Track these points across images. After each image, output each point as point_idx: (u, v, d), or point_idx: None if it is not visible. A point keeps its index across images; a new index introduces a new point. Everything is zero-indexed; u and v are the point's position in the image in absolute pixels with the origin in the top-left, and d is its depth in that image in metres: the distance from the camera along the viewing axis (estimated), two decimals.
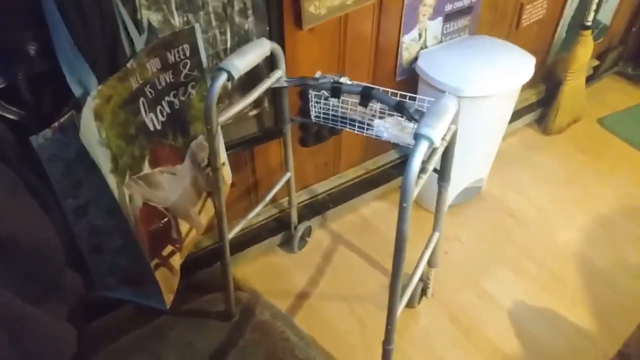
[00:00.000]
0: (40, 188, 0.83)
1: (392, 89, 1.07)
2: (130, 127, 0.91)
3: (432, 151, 1.01)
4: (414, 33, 1.53)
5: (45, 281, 0.82)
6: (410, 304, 1.45)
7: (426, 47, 1.59)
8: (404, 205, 0.89)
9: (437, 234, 1.27)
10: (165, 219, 1.02)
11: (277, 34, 1.24)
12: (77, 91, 0.83)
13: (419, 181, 0.94)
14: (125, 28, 0.91)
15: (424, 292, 1.47)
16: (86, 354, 0.94)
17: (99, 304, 1.27)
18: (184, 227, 1.09)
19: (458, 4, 1.57)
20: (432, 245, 1.25)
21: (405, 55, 1.56)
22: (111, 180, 0.83)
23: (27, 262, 0.77)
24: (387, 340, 1.11)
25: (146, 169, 0.96)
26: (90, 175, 0.84)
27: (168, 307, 1.05)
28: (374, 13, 1.41)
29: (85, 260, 0.97)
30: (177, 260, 1.07)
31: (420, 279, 1.43)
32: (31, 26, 0.80)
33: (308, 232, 1.65)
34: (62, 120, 0.79)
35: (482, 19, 1.69)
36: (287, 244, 1.64)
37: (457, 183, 1.65)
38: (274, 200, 1.62)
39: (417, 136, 0.86)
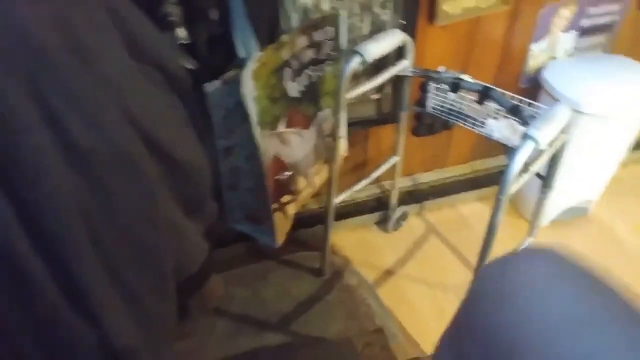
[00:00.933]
0: (203, 127, 1.04)
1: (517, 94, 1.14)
2: (276, 90, 1.09)
3: (539, 154, 1.07)
4: (544, 43, 1.56)
5: (194, 201, 1.03)
6: None
7: (555, 58, 1.60)
8: (500, 197, 0.98)
9: (529, 239, 1.32)
10: (288, 173, 1.20)
11: (410, 27, 1.36)
12: (242, 53, 1.03)
13: (519, 179, 1.01)
14: (285, 8, 1.10)
15: None
16: (205, 272, 1.15)
17: (218, 237, 1.51)
18: (301, 183, 1.27)
19: (597, 20, 1.56)
20: (523, 247, 1.30)
21: (531, 64, 1.59)
22: (256, 131, 1.03)
23: (185, 183, 0.98)
24: None
25: (281, 128, 1.14)
26: (241, 124, 1.03)
27: (278, 245, 1.23)
28: (507, 19, 1.47)
29: (221, 194, 1.18)
30: (291, 209, 1.26)
31: None
32: None
33: (404, 216, 1.77)
34: (229, 75, 0.99)
35: (621, 38, 1.65)
36: (383, 223, 1.76)
37: (562, 198, 1.65)
38: (378, 181, 1.75)
39: (524, 136, 0.94)
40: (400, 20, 1.35)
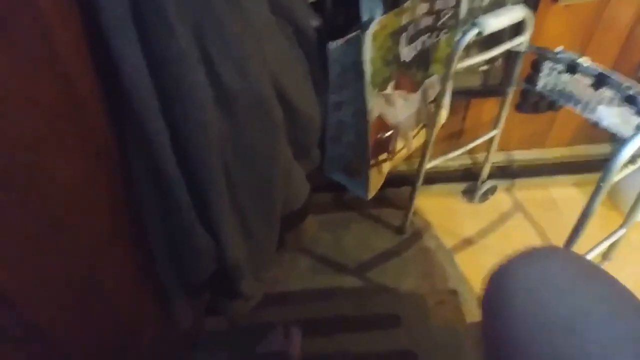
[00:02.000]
0: (319, 81, 1.15)
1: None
2: (389, 53, 1.17)
3: None
4: None
5: (304, 147, 1.16)
6: None
7: None
8: (601, 184, 1.01)
9: (622, 230, 1.32)
10: (389, 132, 1.29)
11: (532, 3, 1.35)
12: (365, 16, 1.11)
13: (623, 170, 1.03)
14: None
15: None
16: (304, 211, 1.30)
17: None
18: (399, 144, 1.36)
19: None
20: (613, 238, 1.31)
21: None
22: (368, 89, 1.12)
23: (299, 129, 1.10)
24: None
25: (389, 90, 1.22)
26: (354, 81, 1.13)
27: (368, 198, 1.35)
28: (638, 3, 1.41)
29: (324, 145, 1.30)
30: (386, 167, 1.36)
31: None
32: None
33: (493, 190, 1.80)
34: (351, 35, 1.08)
35: None
36: (469, 193, 1.82)
37: None
38: (472, 152, 1.79)
39: (638, 127, 0.96)
40: None
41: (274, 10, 0.97)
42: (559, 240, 1.24)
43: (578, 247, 1.25)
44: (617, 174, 0.98)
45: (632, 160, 1.03)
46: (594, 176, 1.82)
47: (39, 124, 0.60)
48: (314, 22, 1.14)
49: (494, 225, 1.75)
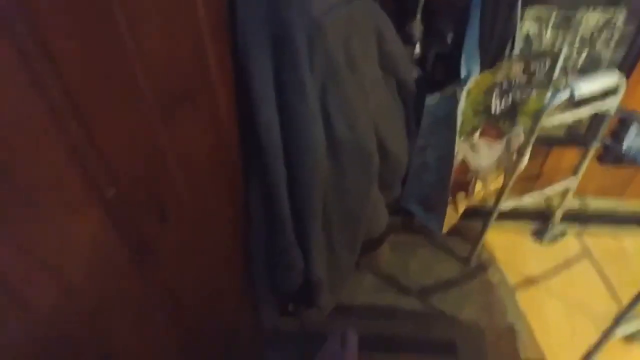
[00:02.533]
0: (411, 126, 1.28)
1: None
2: (481, 106, 1.27)
3: None
4: None
5: (389, 182, 1.30)
6: (632, 339, 1.58)
7: None
8: None
9: None
10: (470, 175, 1.40)
11: (628, 65, 1.40)
12: (464, 73, 1.22)
13: None
14: (514, 35, 1.25)
15: None
16: (382, 238, 1.44)
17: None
18: (478, 186, 1.46)
19: None
20: None
21: None
22: (457, 140, 1.23)
23: (388, 168, 1.24)
24: (588, 356, 1.33)
25: (476, 137, 1.33)
26: (444, 129, 1.25)
27: (443, 233, 1.46)
28: None
29: (406, 179, 1.43)
30: (462, 206, 1.47)
31: None
32: (455, 22, 1.21)
33: (562, 233, 1.85)
34: (449, 90, 1.20)
35: None
36: (539, 234, 1.88)
37: None
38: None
39: None
40: (620, 57, 1.40)
41: (383, 65, 1.11)
42: (626, 290, 1.28)
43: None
44: None
45: None
46: None
47: (205, 164, 0.77)
48: (414, 73, 1.27)
49: (559, 268, 1.81)
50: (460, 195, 1.43)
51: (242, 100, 0.89)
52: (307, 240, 1.09)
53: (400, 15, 1.21)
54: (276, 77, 0.89)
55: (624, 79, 1.32)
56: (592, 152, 1.54)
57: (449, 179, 1.31)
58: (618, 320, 1.24)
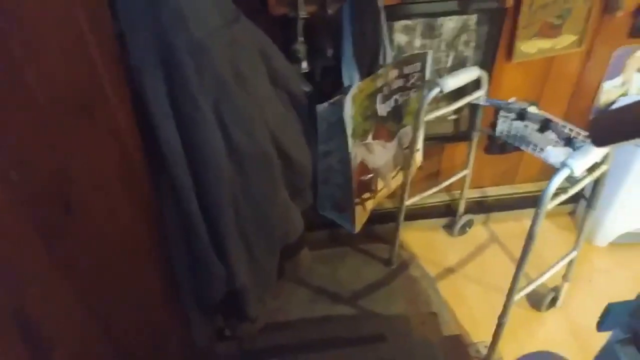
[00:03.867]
0: (311, 134, 1.43)
1: (584, 127, 1.39)
2: (368, 110, 1.46)
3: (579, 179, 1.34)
4: (617, 81, 1.78)
5: (298, 189, 1.43)
6: (536, 307, 1.77)
7: (627, 95, 1.82)
8: (538, 210, 1.27)
9: (574, 253, 1.57)
10: (370, 175, 1.56)
11: (488, 62, 1.66)
12: (346, 82, 1.41)
13: (555, 198, 1.30)
14: (384, 45, 1.45)
15: (553, 301, 1.77)
16: (299, 244, 1.55)
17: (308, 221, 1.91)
18: (380, 184, 1.63)
19: None
20: (566, 259, 1.56)
21: (603, 99, 1.82)
22: (350, 141, 1.40)
23: (294, 174, 1.37)
24: (502, 315, 1.50)
25: (369, 139, 1.50)
26: (339, 134, 1.41)
27: (355, 232, 1.61)
28: (581, 58, 1.72)
29: (316, 186, 1.57)
30: (370, 204, 1.62)
31: (553, 290, 1.74)
32: (333, 39, 1.40)
33: (470, 224, 2.06)
34: (335, 98, 1.37)
35: None
36: (449, 228, 2.08)
37: (621, 222, 1.87)
38: (449, 190, 2.06)
39: (561, 164, 1.23)
40: (481, 56, 1.65)
41: (273, 82, 1.27)
42: (531, 267, 1.47)
43: (539, 269, 1.51)
44: (548, 201, 1.25)
45: (564, 190, 1.30)
46: (562, 208, 2.10)
47: (113, 179, 0.87)
48: (306, 88, 1.44)
49: (472, 255, 2.00)
50: (366, 194, 1.59)
51: (145, 118, 1.00)
52: (223, 245, 1.18)
53: (285, 37, 1.38)
54: (170, 95, 1.01)
55: (485, 72, 1.56)
56: (475, 143, 1.77)
57: (350, 179, 1.47)
58: (514, 286, 1.42)
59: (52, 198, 0.66)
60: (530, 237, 1.31)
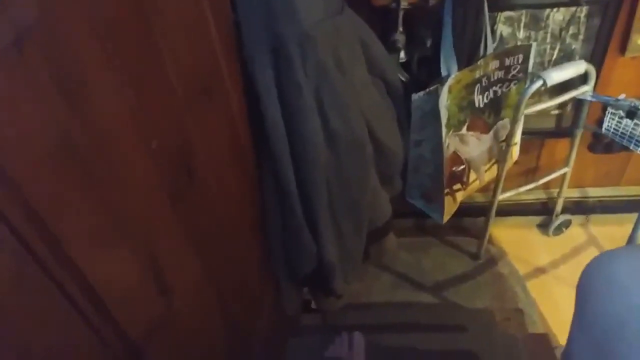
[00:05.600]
0: (404, 123, 1.49)
1: None
2: (464, 101, 1.48)
3: None
4: None
5: (388, 175, 1.50)
6: None
7: None
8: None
9: None
10: (463, 166, 1.59)
11: (598, 56, 1.61)
12: (444, 72, 1.44)
13: None
14: (485, 36, 1.47)
15: None
16: (387, 228, 1.62)
17: (396, 208, 1.97)
18: (472, 176, 1.65)
19: None
20: None
21: None
22: (444, 131, 1.44)
23: (385, 161, 1.44)
24: None
25: (464, 130, 1.53)
26: (432, 123, 1.46)
27: (443, 222, 1.64)
28: None
29: (406, 175, 1.63)
30: (460, 195, 1.65)
31: None
32: (432, 29, 1.44)
33: (567, 224, 2.01)
34: (431, 88, 1.42)
35: None
36: (544, 227, 2.03)
37: None
38: (546, 187, 2.01)
39: None
40: (590, 49, 1.60)
41: (371, 70, 1.34)
42: None
43: None
44: None
45: None
46: None
47: (225, 155, 1.00)
48: (403, 77, 1.49)
49: (567, 257, 1.95)
50: (456, 185, 1.62)
51: (253, 103, 1.12)
52: (316, 224, 1.29)
53: (384, 28, 1.45)
54: (277, 81, 1.12)
55: (592, 67, 1.52)
56: (578, 140, 1.72)
57: (442, 169, 1.51)
58: None
59: (179, 165, 0.79)
60: (631, 243, 1.28)
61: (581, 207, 2.01)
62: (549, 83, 1.45)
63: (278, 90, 1.13)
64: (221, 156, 1.01)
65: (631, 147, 1.51)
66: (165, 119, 0.75)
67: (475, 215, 2.02)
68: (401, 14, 1.41)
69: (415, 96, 1.43)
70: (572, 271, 1.90)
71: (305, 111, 1.15)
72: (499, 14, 1.54)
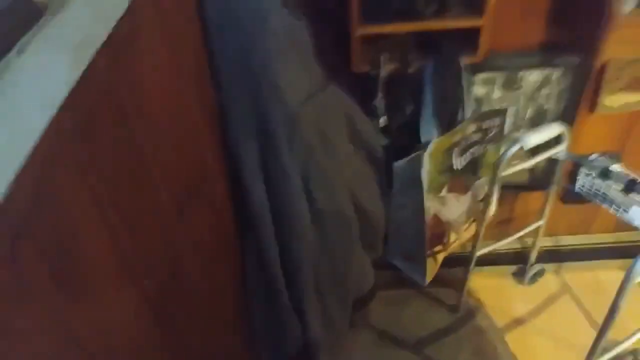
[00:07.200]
0: (385, 188, 1.48)
1: None
2: (444, 165, 1.49)
3: None
4: None
5: (371, 240, 1.48)
6: None
7: None
8: (623, 286, 1.26)
9: None
10: (443, 228, 1.59)
11: (570, 115, 1.65)
12: (424, 138, 1.45)
13: None
14: (464, 101, 1.48)
15: None
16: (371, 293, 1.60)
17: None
18: (452, 237, 1.65)
19: None
20: None
21: None
22: (425, 194, 1.44)
23: (368, 227, 1.43)
24: None
25: (443, 192, 1.53)
26: (414, 188, 1.45)
27: (426, 284, 1.64)
28: None
29: (387, 236, 1.62)
30: (441, 256, 1.65)
31: (632, 353, 1.70)
32: (412, 96, 1.44)
33: (541, 273, 2.04)
34: (413, 155, 1.42)
35: None
36: (519, 275, 2.06)
37: None
38: (521, 237, 2.04)
39: None
40: (561, 109, 1.65)
41: (353, 140, 1.33)
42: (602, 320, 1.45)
43: (617, 329, 1.48)
44: (635, 277, 1.23)
45: None
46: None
47: (209, 246, 0.95)
48: (382, 142, 1.49)
49: (543, 306, 1.98)
50: (438, 247, 1.62)
51: (235, 185, 1.08)
52: (301, 303, 1.25)
53: (365, 93, 1.44)
54: (262, 163, 1.08)
55: (567, 129, 1.56)
56: (553, 195, 1.76)
57: (424, 233, 1.50)
58: (593, 349, 1.40)
59: (162, 268, 0.73)
60: (612, 310, 1.30)
61: (554, 255, 2.05)
62: (527, 147, 1.48)
63: (263, 172, 1.10)
64: (206, 250, 0.97)
65: (604, 206, 1.55)
66: (155, 246, 0.71)
67: (452, 265, 2.02)
68: (382, 80, 1.41)
69: (397, 165, 1.43)
70: (549, 321, 1.92)
71: (292, 194, 1.12)
72: (475, 76, 1.56)
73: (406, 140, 1.49)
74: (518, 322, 1.93)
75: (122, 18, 0.54)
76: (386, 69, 1.37)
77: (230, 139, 1.05)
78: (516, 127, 1.67)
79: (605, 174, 1.50)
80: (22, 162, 0.37)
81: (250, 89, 1.03)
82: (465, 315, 1.95)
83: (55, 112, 0.40)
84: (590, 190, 1.58)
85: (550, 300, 2.00)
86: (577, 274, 2.07)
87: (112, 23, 0.52)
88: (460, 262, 1.98)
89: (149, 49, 0.67)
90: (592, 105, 1.64)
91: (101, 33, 0.49)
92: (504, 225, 1.99)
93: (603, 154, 1.57)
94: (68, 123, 0.44)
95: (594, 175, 1.56)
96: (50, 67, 0.43)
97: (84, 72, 0.45)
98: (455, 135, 1.46)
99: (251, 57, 0.99)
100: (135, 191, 0.64)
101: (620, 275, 2.08)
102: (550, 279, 2.07)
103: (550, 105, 1.65)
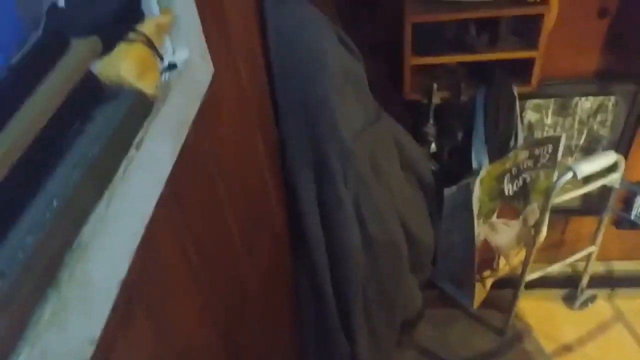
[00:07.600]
0: (435, 213, 1.50)
1: None
2: (494, 191, 1.50)
3: None
4: None
5: (419, 264, 1.51)
6: None
7: None
8: None
9: None
10: (492, 253, 1.60)
11: (625, 142, 1.63)
12: (475, 165, 1.46)
13: None
14: (517, 128, 1.49)
15: None
16: (419, 315, 1.63)
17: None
18: (502, 262, 1.65)
19: None
20: None
21: None
22: (475, 220, 1.45)
23: (417, 252, 1.45)
24: None
25: (494, 218, 1.54)
26: (464, 214, 1.47)
27: (474, 309, 1.64)
28: None
29: (435, 260, 1.64)
30: (489, 282, 1.66)
31: None
32: (463, 122, 1.46)
33: (592, 299, 2.00)
34: (463, 182, 1.43)
35: None
36: (570, 300, 2.03)
37: None
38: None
39: None
40: (617, 135, 1.63)
41: (404, 167, 1.36)
42: None
43: None
44: None
45: None
46: None
47: (269, 271, 1.01)
48: (432, 167, 1.51)
49: (594, 333, 1.94)
50: (487, 272, 1.63)
51: (291, 210, 1.14)
52: (350, 323, 1.29)
53: (416, 120, 1.48)
54: (318, 194, 1.14)
55: (622, 157, 1.54)
56: (606, 220, 1.73)
57: (473, 258, 1.51)
58: None
59: (233, 300, 0.79)
60: None
61: (607, 281, 2.01)
62: (579, 175, 1.47)
63: (318, 200, 1.15)
64: (268, 275, 1.03)
65: None
66: (228, 280, 0.77)
67: (500, 287, 2.01)
68: (432, 107, 1.44)
69: (447, 191, 1.45)
70: (600, 349, 1.89)
71: (345, 221, 1.16)
72: (528, 101, 1.57)
73: (456, 166, 1.51)
74: (567, 348, 1.91)
75: (208, 89, 0.60)
76: (437, 96, 1.40)
77: (288, 169, 1.11)
78: (569, 153, 1.66)
79: None
80: (139, 240, 0.43)
81: (308, 124, 1.08)
82: (512, 338, 1.94)
83: (161, 191, 0.46)
84: None
85: (601, 327, 1.96)
86: (631, 301, 2.02)
87: (201, 97, 0.57)
88: (509, 284, 1.97)
89: (226, 107, 0.73)
90: None
91: (193, 110, 0.55)
92: (554, 248, 1.97)
93: None
94: (169, 198, 0.50)
95: None
96: (160, 156, 0.49)
97: (180, 150, 0.50)
98: (507, 162, 1.46)
99: (310, 96, 1.04)
100: (212, 232, 0.71)
101: None
102: (602, 305, 2.03)
103: (605, 132, 1.63)
